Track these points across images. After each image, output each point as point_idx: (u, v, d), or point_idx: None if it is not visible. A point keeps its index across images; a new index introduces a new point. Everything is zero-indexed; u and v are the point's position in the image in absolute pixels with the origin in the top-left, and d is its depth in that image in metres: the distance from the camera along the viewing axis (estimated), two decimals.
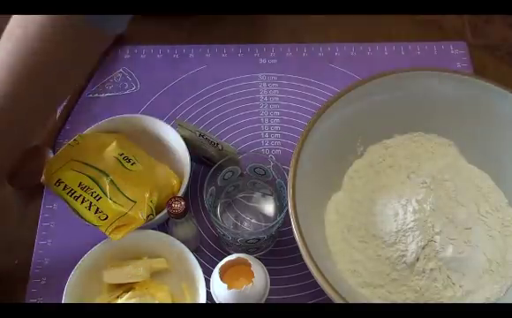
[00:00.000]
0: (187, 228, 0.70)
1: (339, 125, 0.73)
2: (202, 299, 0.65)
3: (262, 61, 0.90)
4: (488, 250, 0.68)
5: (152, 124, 0.77)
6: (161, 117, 0.79)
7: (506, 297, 0.67)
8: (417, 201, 0.68)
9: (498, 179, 0.74)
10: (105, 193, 0.70)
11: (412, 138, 0.76)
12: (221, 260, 0.66)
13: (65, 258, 0.71)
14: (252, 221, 0.72)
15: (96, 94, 0.86)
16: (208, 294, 0.66)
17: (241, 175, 0.74)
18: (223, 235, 0.69)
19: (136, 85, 0.86)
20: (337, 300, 0.60)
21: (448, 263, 0.66)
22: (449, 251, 0.66)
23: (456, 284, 0.66)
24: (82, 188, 0.70)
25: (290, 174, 0.66)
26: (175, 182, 0.73)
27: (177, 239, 0.69)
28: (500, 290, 0.67)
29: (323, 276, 0.61)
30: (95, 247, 0.68)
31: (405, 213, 0.68)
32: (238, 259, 0.66)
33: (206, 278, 0.66)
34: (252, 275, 0.64)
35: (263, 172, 0.72)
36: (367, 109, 0.74)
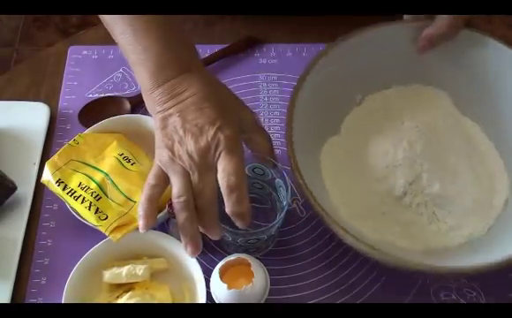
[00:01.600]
0: None
1: (338, 73, 0.74)
2: (202, 299, 0.65)
3: (262, 61, 0.90)
4: (475, 193, 0.71)
5: (152, 124, 0.77)
6: None
7: (488, 234, 0.69)
8: (408, 142, 0.71)
9: (489, 132, 0.76)
10: (105, 193, 0.70)
11: (410, 89, 0.79)
12: (221, 260, 0.66)
13: (65, 258, 0.71)
14: (252, 221, 0.72)
15: (96, 94, 0.86)
16: (208, 294, 0.66)
17: None
18: (223, 235, 0.69)
19: (136, 85, 0.86)
20: (335, 228, 0.63)
21: (434, 199, 0.69)
22: (436, 187, 0.69)
23: (441, 221, 0.70)
24: (82, 188, 0.71)
25: (288, 113, 0.69)
26: None
27: (177, 239, 0.69)
28: (483, 228, 0.70)
29: (320, 206, 0.64)
30: (95, 247, 0.68)
31: (396, 150, 0.71)
32: (238, 259, 0.66)
33: (206, 278, 0.66)
34: (252, 275, 0.64)
35: (262, 172, 0.72)
36: (367, 59, 0.76)
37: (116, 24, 0.66)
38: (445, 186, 0.70)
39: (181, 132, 0.62)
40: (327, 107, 0.75)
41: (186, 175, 0.61)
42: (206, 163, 0.61)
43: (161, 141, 0.63)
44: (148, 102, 0.66)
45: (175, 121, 0.62)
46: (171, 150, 0.62)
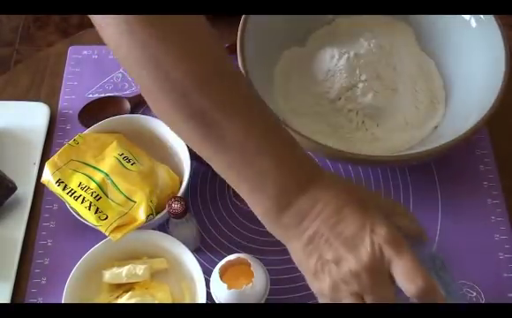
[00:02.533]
0: (187, 228, 0.70)
1: None
2: (202, 299, 0.65)
3: None
4: (409, 114, 0.77)
5: (152, 124, 0.77)
6: None
7: (407, 151, 0.74)
8: (355, 53, 0.76)
9: (442, 71, 0.82)
10: (105, 193, 0.70)
11: (378, 18, 0.83)
12: (221, 260, 0.66)
13: (65, 258, 0.71)
14: None
15: (96, 94, 0.86)
16: (208, 294, 0.66)
17: None
18: None
19: (136, 85, 0.86)
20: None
21: (365, 109, 0.76)
22: (368, 98, 0.75)
23: (368, 130, 0.76)
24: (82, 188, 0.71)
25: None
26: (175, 182, 0.73)
27: (177, 239, 0.69)
28: (403, 146, 0.76)
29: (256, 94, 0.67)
30: (95, 247, 0.68)
31: (340, 58, 0.76)
32: (238, 259, 0.66)
33: (206, 278, 0.66)
34: (251, 275, 0.64)
35: None
36: None
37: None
38: (378, 99, 0.75)
39: (330, 253, 0.53)
40: (291, 20, 0.80)
41: (359, 299, 0.54)
42: (378, 278, 0.53)
43: (309, 271, 0.55)
44: (277, 232, 0.56)
45: (318, 243, 0.53)
46: (329, 278, 0.53)
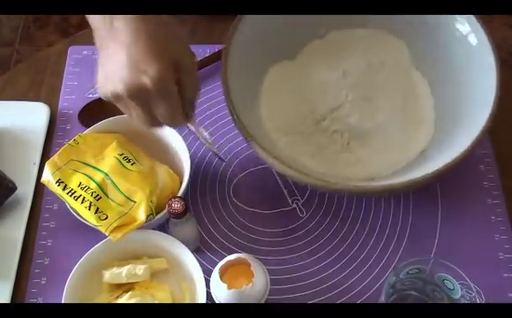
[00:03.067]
0: (187, 228, 0.70)
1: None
2: (202, 299, 0.65)
3: None
4: (396, 136, 0.75)
5: None
6: None
7: (391, 176, 0.72)
8: (343, 71, 0.75)
9: (435, 93, 0.78)
10: (105, 193, 0.70)
11: (373, 33, 0.81)
12: (221, 260, 0.66)
13: (65, 258, 0.71)
14: None
15: (96, 94, 0.86)
16: (208, 294, 0.66)
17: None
18: None
19: None
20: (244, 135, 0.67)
21: (350, 130, 0.74)
22: (354, 119, 0.73)
23: (353, 152, 0.74)
24: (82, 188, 0.71)
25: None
26: (175, 182, 0.73)
27: (177, 239, 0.69)
28: (388, 170, 0.73)
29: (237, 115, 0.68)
30: (95, 247, 0.68)
31: (327, 77, 0.75)
32: (238, 259, 0.66)
33: (206, 278, 0.66)
34: (251, 275, 0.64)
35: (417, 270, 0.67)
36: None
37: None
38: (364, 121, 0.73)
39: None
40: (283, 32, 0.78)
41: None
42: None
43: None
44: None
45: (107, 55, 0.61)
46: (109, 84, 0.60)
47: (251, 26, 0.75)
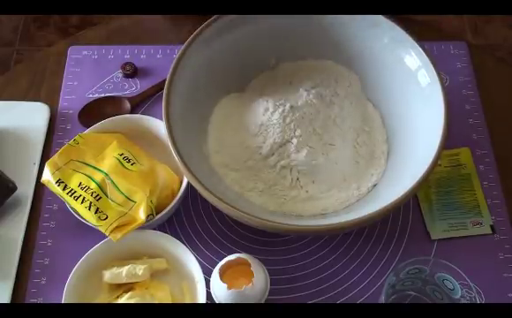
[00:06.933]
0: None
1: (254, 36, 0.78)
2: (202, 299, 0.65)
3: None
4: (347, 170, 0.73)
5: (152, 124, 0.77)
6: (160, 117, 0.79)
7: (344, 211, 0.71)
8: (290, 106, 0.73)
9: (387, 122, 0.77)
10: (105, 193, 0.70)
11: (323, 63, 0.80)
12: (221, 260, 0.66)
13: (65, 258, 0.71)
14: None
15: (96, 94, 0.86)
16: (208, 294, 0.66)
17: None
18: None
19: (136, 85, 0.86)
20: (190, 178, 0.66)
21: (299, 166, 0.71)
22: (302, 154, 0.71)
23: (303, 188, 0.72)
24: (82, 188, 0.71)
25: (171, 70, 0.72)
26: (175, 182, 0.73)
27: (177, 239, 0.68)
28: (340, 205, 0.72)
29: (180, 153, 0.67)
30: (95, 247, 0.68)
31: (274, 111, 0.73)
32: (238, 259, 0.66)
33: (206, 278, 0.66)
34: (251, 275, 0.64)
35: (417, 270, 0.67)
36: (284, 26, 0.78)
37: None
38: (313, 156, 0.71)
39: None
40: (234, 65, 0.78)
41: None
42: None
43: None
44: None
45: None
46: None
47: (196, 56, 0.74)
